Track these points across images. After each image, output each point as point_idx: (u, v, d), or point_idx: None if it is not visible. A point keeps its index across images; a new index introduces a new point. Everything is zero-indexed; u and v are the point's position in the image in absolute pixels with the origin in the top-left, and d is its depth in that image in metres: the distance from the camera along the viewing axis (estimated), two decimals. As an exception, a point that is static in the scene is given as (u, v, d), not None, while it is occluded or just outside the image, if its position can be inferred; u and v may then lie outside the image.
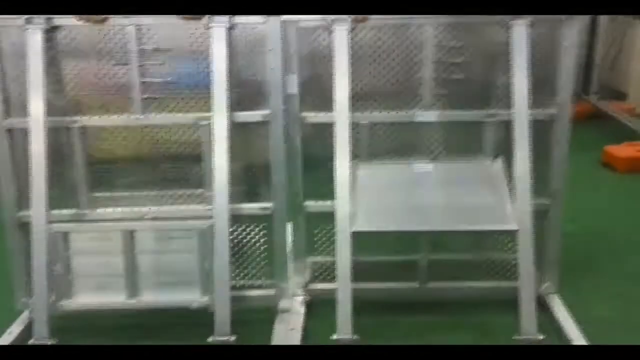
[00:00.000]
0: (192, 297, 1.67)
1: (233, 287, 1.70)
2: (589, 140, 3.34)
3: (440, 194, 1.68)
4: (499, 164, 1.74)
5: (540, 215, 1.74)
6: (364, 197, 1.66)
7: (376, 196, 1.68)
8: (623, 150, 3.00)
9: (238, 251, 1.83)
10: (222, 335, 1.59)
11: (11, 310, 1.80)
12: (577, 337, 1.66)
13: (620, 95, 3.85)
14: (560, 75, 1.70)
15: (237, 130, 1.70)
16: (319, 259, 1.88)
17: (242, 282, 1.85)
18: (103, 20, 1.61)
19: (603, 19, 3.90)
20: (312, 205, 1.83)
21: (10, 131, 1.70)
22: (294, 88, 1.70)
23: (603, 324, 1.75)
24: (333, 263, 1.66)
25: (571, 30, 1.66)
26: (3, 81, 1.67)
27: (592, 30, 3.94)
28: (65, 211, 1.77)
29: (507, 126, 1.70)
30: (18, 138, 1.70)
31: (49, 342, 1.58)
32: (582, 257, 2.14)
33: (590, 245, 2.23)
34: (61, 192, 1.75)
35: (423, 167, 1.75)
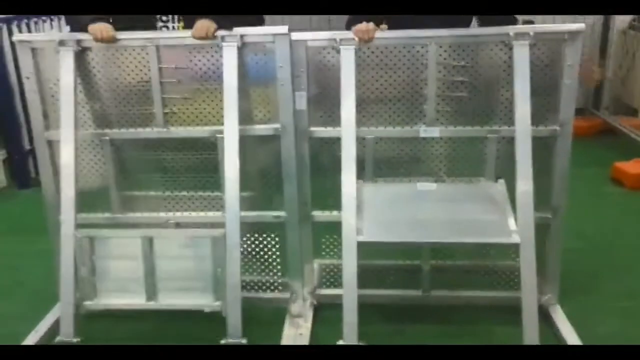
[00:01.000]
0: (205, 302, 1.76)
1: (246, 287, 1.80)
2: (599, 155, 3.34)
3: (444, 210, 1.74)
4: (501, 185, 1.80)
5: (542, 229, 1.78)
6: (369, 211, 1.73)
7: (381, 210, 1.75)
8: (632, 167, 2.98)
9: (254, 256, 1.92)
10: (234, 337, 1.66)
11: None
12: (571, 334, 1.72)
13: (632, 111, 3.84)
14: (562, 94, 1.75)
15: (254, 143, 1.81)
16: (326, 261, 1.96)
17: (255, 285, 1.94)
18: (115, 41, 1.74)
19: (615, 34, 3.92)
20: (319, 214, 1.91)
21: (50, 142, 1.85)
22: (302, 104, 1.79)
23: (605, 339, 1.77)
24: (339, 267, 1.73)
25: (573, 50, 1.71)
26: (42, 97, 1.82)
27: (604, 46, 3.95)
28: (98, 214, 1.92)
29: (509, 142, 1.77)
30: (57, 149, 1.84)
31: (74, 340, 1.69)
32: (588, 273, 2.15)
33: (596, 261, 2.24)
34: (95, 198, 1.90)
35: (426, 186, 1.82)
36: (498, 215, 1.71)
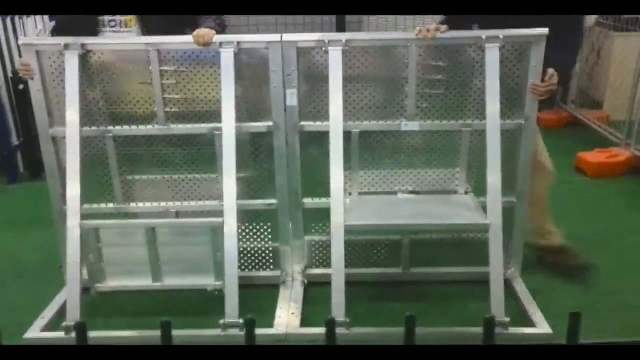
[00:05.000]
0: (207, 282, 1.90)
1: (241, 267, 1.95)
2: (565, 146, 3.59)
3: (422, 208, 1.96)
4: (470, 197, 2.01)
5: (508, 211, 1.98)
6: (356, 209, 1.91)
7: (366, 209, 1.93)
8: (593, 156, 3.23)
9: (248, 240, 2.07)
10: (232, 318, 1.81)
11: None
12: (535, 311, 1.91)
13: (597, 104, 4.11)
14: (527, 91, 1.93)
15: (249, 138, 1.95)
16: (315, 237, 2.12)
17: (251, 267, 2.10)
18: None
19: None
20: (309, 202, 2.06)
21: (54, 138, 1.94)
22: (293, 101, 1.93)
23: (562, 309, 1.97)
24: (327, 244, 1.90)
25: (537, 52, 1.89)
26: (47, 96, 1.90)
27: (572, 42, 4.19)
28: (102, 205, 2.03)
29: (480, 134, 1.95)
30: (61, 144, 1.94)
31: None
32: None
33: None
34: (99, 190, 2.00)
35: (406, 195, 2.03)
36: (469, 210, 1.93)
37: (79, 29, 1.88)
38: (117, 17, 1.95)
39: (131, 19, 1.96)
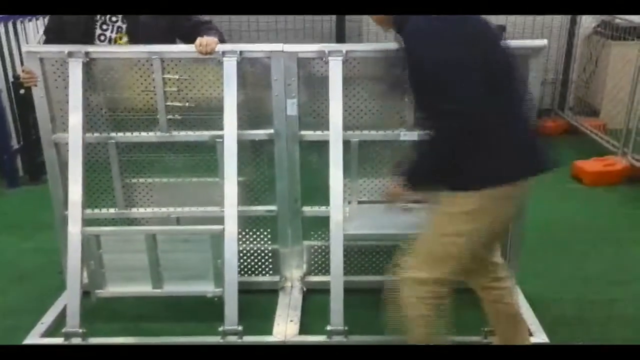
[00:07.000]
0: (207, 289, 1.91)
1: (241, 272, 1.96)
2: (563, 154, 3.61)
3: (421, 217, 1.92)
4: None
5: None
6: (356, 218, 1.92)
7: (366, 218, 1.95)
8: (590, 165, 3.25)
9: (248, 245, 2.08)
10: (231, 325, 1.82)
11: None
12: (532, 321, 1.94)
13: (594, 112, 4.15)
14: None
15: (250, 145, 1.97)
16: (314, 243, 2.14)
17: (251, 272, 2.12)
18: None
19: (579, 40, 4.21)
20: (309, 210, 2.08)
21: (56, 144, 1.96)
22: (294, 110, 1.95)
23: (559, 318, 2.00)
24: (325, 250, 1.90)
25: (536, 63, 1.91)
26: (50, 103, 1.92)
27: (569, 50, 4.24)
28: (103, 210, 2.04)
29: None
30: (63, 150, 1.95)
31: (80, 331, 1.80)
32: (546, 260, 2.39)
33: (553, 250, 2.49)
34: (101, 196, 2.01)
35: (405, 204, 2.01)
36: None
37: (73, 34, 1.89)
38: (108, 34, 1.97)
39: (121, 36, 1.98)
